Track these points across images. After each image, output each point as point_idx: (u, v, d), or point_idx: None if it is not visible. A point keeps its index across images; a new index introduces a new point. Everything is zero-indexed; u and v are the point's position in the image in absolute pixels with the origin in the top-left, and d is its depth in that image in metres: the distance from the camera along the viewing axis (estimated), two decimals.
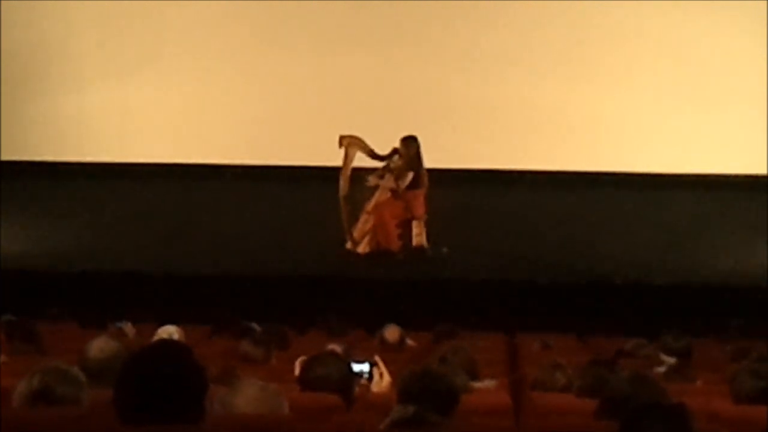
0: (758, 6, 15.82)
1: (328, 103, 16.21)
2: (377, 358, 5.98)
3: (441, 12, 16.29)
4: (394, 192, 13.10)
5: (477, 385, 6.15)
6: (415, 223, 13.11)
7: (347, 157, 12.90)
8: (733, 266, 12.72)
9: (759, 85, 15.78)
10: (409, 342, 9.31)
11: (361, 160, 13.00)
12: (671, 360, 7.77)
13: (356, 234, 13.14)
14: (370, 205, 13.19)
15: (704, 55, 15.99)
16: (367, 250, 13.12)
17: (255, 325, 9.50)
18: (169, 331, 8.10)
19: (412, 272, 12.75)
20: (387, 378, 5.82)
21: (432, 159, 13.34)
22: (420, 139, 13.10)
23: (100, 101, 16.82)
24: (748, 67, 15.89)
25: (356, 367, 5.80)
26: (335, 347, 7.44)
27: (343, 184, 12.91)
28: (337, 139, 12.89)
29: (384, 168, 13.13)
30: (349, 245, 13.13)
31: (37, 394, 4.23)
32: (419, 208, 13.07)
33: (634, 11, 16.05)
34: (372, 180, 13.13)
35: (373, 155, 13.01)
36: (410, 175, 12.99)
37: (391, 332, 9.15)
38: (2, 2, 16.60)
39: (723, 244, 13.55)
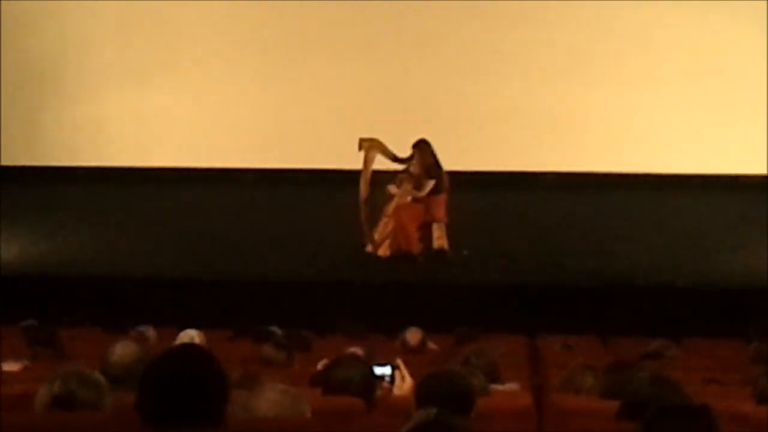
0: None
1: (348, 106, 16.22)
2: (399, 361, 5.96)
3: (459, 17, 16.28)
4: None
5: (499, 387, 6.12)
6: (435, 226, 13.07)
7: (367, 160, 12.88)
8: (754, 267, 12.64)
9: None
10: (431, 345, 9.28)
11: (381, 163, 12.99)
12: None
13: (377, 237, 13.11)
14: (390, 208, 13.16)
15: (716, 58, 15.98)
16: (387, 253, 13.09)
17: (276, 329, 9.50)
18: (191, 336, 8.11)
19: (432, 275, 12.72)
20: (408, 381, 5.79)
21: (453, 162, 13.32)
22: (439, 143, 13.05)
23: (118, 107, 16.89)
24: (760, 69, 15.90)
25: (378, 371, 5.78)
26: (357, 350, 7.43)
27: (363, 186, 12.89)
28: (356, 142, 12.90)
29: (403, 171, 13.11)
30: (369, 248, 13.10)
31: (59, 399, 4.23)
32: (440, 211, 13.03)
33: (649, 16, 16.03)
34: (392, 189, 13.10)
35: (394, 158, 13.00)
36: (431, 183, 12.96)
37: (413, 335, 9.12)
38: (19, 10, 16.65)
39: (743, 245, 13.47)
